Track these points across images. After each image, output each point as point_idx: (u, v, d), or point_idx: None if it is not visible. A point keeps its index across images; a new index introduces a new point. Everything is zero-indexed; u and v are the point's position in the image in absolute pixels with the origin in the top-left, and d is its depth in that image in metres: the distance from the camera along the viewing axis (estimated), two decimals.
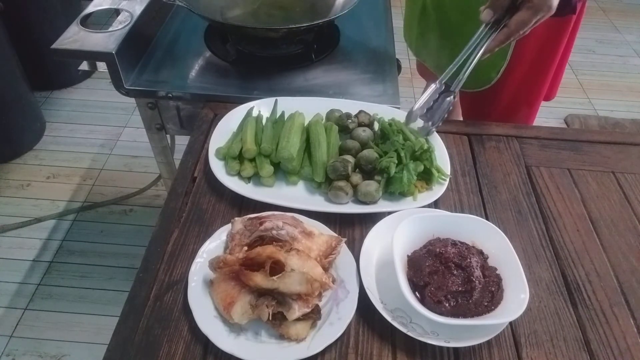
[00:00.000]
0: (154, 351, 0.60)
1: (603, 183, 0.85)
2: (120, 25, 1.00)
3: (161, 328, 0.62)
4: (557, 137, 0.94)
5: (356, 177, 0.77)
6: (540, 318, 0.66)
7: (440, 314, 0.60)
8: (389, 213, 0.75)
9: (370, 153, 0.79)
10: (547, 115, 2.30)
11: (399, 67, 1.11)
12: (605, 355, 0.62)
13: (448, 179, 0.80)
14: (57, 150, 2.04)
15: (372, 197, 0.75)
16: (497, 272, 0.65)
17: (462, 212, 0.78)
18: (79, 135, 2.12)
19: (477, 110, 1.13)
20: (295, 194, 0.79)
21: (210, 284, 0.64)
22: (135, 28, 1.01)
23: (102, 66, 0.99)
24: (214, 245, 0.69)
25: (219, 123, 0.87)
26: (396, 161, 0.77)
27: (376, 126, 0.87)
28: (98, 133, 2.13)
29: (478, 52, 0.80)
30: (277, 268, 0.61)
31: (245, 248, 0.66)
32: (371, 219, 0.74)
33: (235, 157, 0.81)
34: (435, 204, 0.78)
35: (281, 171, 0.82)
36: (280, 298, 0.61)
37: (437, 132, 0.86)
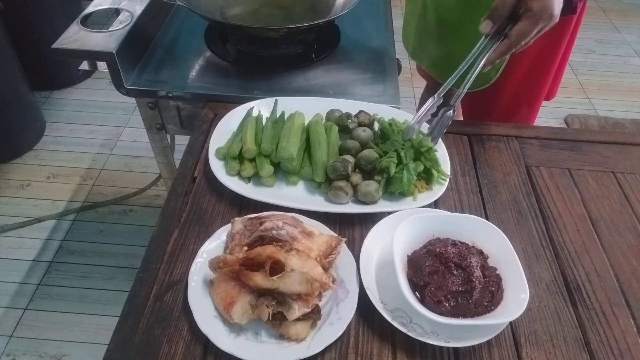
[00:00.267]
0: (154, 351, 0.60)
1: (603, 183, 0.85)
2: (121, 25, 1.00)
3: (161, 328, 0.62)
4: (557, 137, 0.94)
5: (356, 177, 0.77)
6: (540, 318, 0.66)
7: (440, 314, 0.60)
8: (389, 213, 0.75)
9: (370, 153, 0.79)
10: (547, 115, 2.30)
11: (399, 67, 1.11)
12: (605, 355, 0.62)
13: (448, 179, 0.80)
14: (57, 150, 2.04)
15: (372, 197, 0.75)
16: (497, 272, 0.65)
17: (462, 212, 0.78)
18: (79, 135, 2.12)
19: (477, 110, 1.13)
20: (295, 194, 0.79)
21: (210, 284, 0.64)
22: (136, 28, 1.01)
23: (102, 66, 0.99)
24: (214, 245, 0.69)
25: (219, 123, 0.87)
26: (396, 161, 0.77)
27: (376, 126, 0.87)
28: (98, 133, 2.13)
29: (478, 65, 0.78)
30: (277, 268, 0.61)
31: (245, 248, 0.66)
32: (371, 219, 0.74)
33: (235, 157, 0.81)
34: (435, 204, 0.78)
35: (281, 171, 0.82)
36: (280, 298, 0.61)
37: None
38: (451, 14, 0.99)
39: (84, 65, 1.02)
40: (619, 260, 0.73)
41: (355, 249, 0.70)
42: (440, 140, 0.85)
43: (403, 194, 0.77)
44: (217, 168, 0.79)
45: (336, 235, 0.71)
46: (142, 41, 1.07)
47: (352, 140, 0.83)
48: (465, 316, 0.61)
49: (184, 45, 1.11)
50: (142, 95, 1.01)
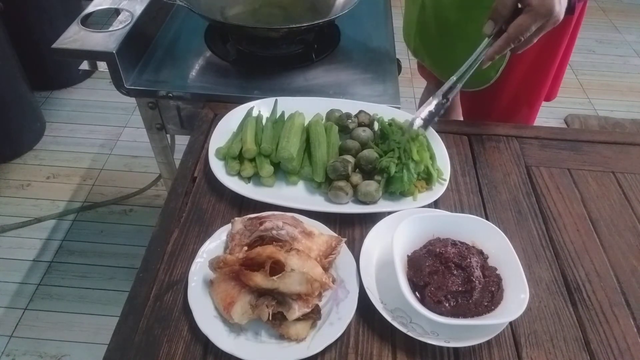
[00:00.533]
0: (154, 351, 0.60)
1: (603, 183, 0.85)
2: (121, 25, 1.00)
3: (161, 328, 0.62)
4: (557, 137, 0.94)
5: (356, 177, 0.77)
6: (540, 318, 0.66)
7: (440, 314, 0.60)
8: (389, 213, 0.75)
9: (370, 153, 0.79)
10: (547, 115, 2.30)
11: (399, 67, 1.11)
12: (605, 355, 0.62)
13: (448, 179, 0.80)
14: (57, 150, 2.04)
15: (372, 197, 0.75)
16: (497, 272, 0.65)
17: (462, 212, 0.78)
18: (79, 135, 2.12)
19: (477, 110, 1.13)
20: (295, 194, 0.79)
21: (210, 284, 0.64)
22: (136, 28, 1.01)
23: (102, 66, 0.99)
24: (214, 245, 0.69)
25: (219, 123, 0.87)
26: (396, 161, 0.77)
27: (376, 126, 0.87)
28: (98, 133, 2.13)
29: (478, 61, 0.79)
30: (277, 268, 0.61)
31: (245, 248, 0.66)
32: (371, 219, 0.74)
33: (235, 157, 0.81)
34: (435, 204, 0.78)
35: (281, 171, 0.82)
36: (280, 298, 0.61)
37: (437, 132, 0.86)
38: (450, 13, 0.99)
39: (84, 65, 1.02)
40: (619, 260, 0.73)
41: (355, 249, 0.70)
42: (440, 140, 0.85)
43: (403, 194, 0.77)
44: (217, 168, 0.79)
45: (336, 235, 0.71)
46: (142, 41, 1.07)
47: (352, 140, 0.83)
48: (465, 316, 0.61)
49: (184, 45, 1.11)
50: (142, 95, 1.01)
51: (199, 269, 0.66)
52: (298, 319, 0.60)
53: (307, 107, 0.89)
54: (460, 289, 0.62)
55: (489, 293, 0.62)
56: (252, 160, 0.80)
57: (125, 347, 0.60)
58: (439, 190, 0.78)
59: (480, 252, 0.67)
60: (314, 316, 0.61)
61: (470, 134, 0.93)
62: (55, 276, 1.61)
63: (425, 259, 0.65)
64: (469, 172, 0.85)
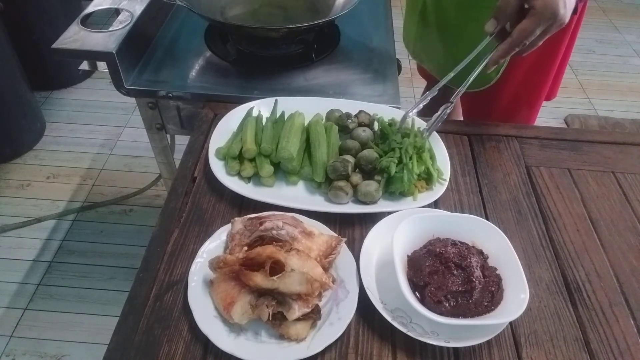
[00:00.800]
0: (154, 351, 0.60)
1: (603, 183, 0.85)
2: (121, 25, 1.00)
3: (161, 328, 0.62)
4: (557, 137, 0.94)
5: (356, 177, 0.77)
6: (540, 318, 0.66)
7: (440, 314, 0.60)
8: (389, 213, 0.75)
9: (370, 153, 0.79)
10: (547, 115, 2.30)
11: (399, 67, 1.11)
12: (605, 355, 0.62)
13: (448, 179, 0.80)
14: (57, 150, 2.04)
15: (372, 197, 0.75)
16: (497, 272, 0.65)
17: (462, 212, 0.78)
18: (79, 135, 2.12)
19: (477, 110, 1.13)
20: (295, 194, 0.79)
21: (210, 284, 0.64)
22: (136, 28, 1.01)
23: (102, 66, 0.99)
24: (214, 245, 0.69)
25: (219, 123, 0.87)
26: (396, 161, 0.77)
27: (376, 126, 0.87)
28: (98, 133, 2.13)
29: (481, 64, 0.78)
30: (277, 268, 0.61)
31: (245, 248, 0.66)
32: (371, 219, 0.74)
33: (235, 157, 0.81)
34: (435, 204, 0.78)
35: (281, 171, 0.82)
36: (280, 298, 0.61)
37: (437, 132, 0.86)
38: (451, 14, 0.99)
39: (84, 65, 1.02)
40: (619, 260, 0.73)
41: (355, 249, 0.70)
42: (440, 140, 0.85)
43: (403, 194, 0.77)
44: (217, 168, 0.79)
45: (336, 235, 0.71)
46: (142, 41, 1.07)
47: (352, 140, 0.83)
48: (465, 316, 0.61)
49: (184, 45, 1.11)
50: (142, 95, 1.01)
51: (199, 269, 0.66)
52: (298, 319, 0.60)
53: (307, 107, 0.89)
54: (460, 289, 0.62)
55: (489, 293, 0.62)
56: (252, 160, 0.80)
57: (125, 347, 0.60)
58: (439, 190, 0.78)
59: (480, 252, 0.67)
60: (314, 316, 0.61)
61: (470, 134, 0.93)
62: (55, 276, 1.61)
63: (425, 259, 0.65)
64: (469, 172, 0.85)
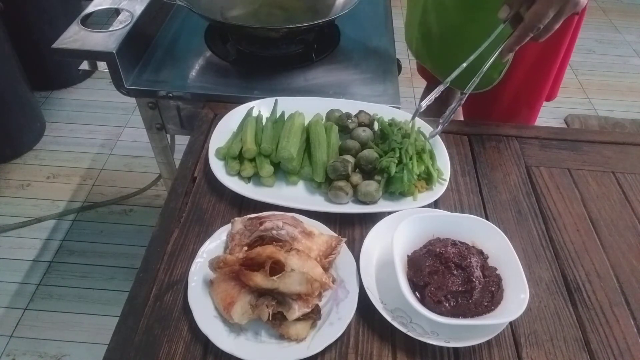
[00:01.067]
0: (154, 351, 0.60)
1: (603, 183, 0.85)
2: (121, 25, 1.00)
3: (161, 328, 0.62)
4: (557, 137, 0.94)
5: (356, 177, 0.77)
6: (540, 318, 0.66)
7: (440, 314, 0.60)
8: (389, 213, 0.75)
9: (370, 153, 0.79)
10: (547, 115, 2.30)
11: (399, 67, 1.11)
12: (605, 355, 0.62)
13: (448, 179, 0.80)
14: (57, 150, 2.04)
15: (372, 197, 0.75)
16: (497, 272, 0.65)
17: (462, 212, 0.78)
18: (79, 135, 2.12)
19: (478, 111, 1.13)
20: (295, 194, 0.79)
21: (210, 284, 0.64)
22: (136, 28, 1.01)
23: (102, 66, 0.99)
24: (214, 245, 0.69)
25: (219, 123, 0.87)
26: (396, 161, 0.77)
27: (376, 126, 0.87)
28: (98, 133, 2.13)
29: (494, 54, 0.77)
30: (277, 268, 0.61)
31: (245, 248, 0.66)
32: (371, 219, 0.74)
33: (235, 157, 0.81)
34: (435, 204, 0.78)
35: (281, 171, 0.82)
36: (280, 298, 0.61)
37: None
38: (452, 14, 0.99)
39: (84, 65, 1.02)
40: (619, 260, 0.73)
41: (355, 249, 0.70)
42: (440, 140, 0.85)
43: (403, 194, 0.77)
44: (217, 168, 0.79)
45: (336, 235, 0.71)
46: (142, 41, 1.07)
47: (352, 140, 0.83)
48: (465, 316, 0.61)
49: (184, 45, 1.11)
50: (142, 95, 1.01)
51: (199, 269, 0.66)
52: (298, 319, 0.60)
53: (307, 107, 0.89)
54: (460, 289, 0.62)
55: (489, 293, 0.62)
56: (252, 160, 0.80)
57: (125, 347, 0.60)
58: (439, 190, 0.78)
59: (480, 252, 0.67)
60: (314, 316, 0.61)
61: (470, 134, 0.93)
62: (55, 276, 1.61)
63: (425, 259, 0.65)
64: (469, 172, 0.85)
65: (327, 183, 0.78)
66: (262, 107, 0.90)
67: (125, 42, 0.96)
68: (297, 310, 0.59)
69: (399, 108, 0.93)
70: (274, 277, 0.60)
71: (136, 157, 2.03)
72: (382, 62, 1.08)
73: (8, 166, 1.96)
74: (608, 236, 0.77)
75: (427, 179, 0.79)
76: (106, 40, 0.96)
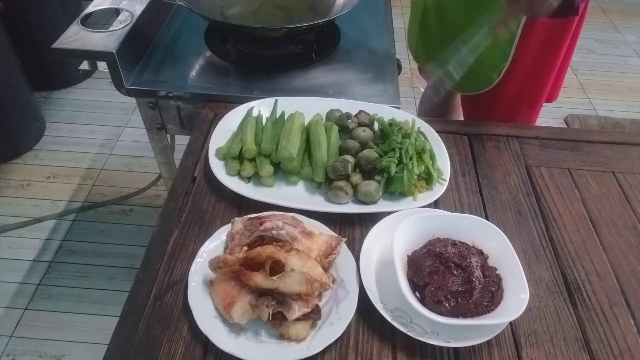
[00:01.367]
0: (154, 351, 0.60)
1: (603, 183, 0.85)
2: (121, 25, 1.00)
3: (161, 328, 0.62)
4: (557, 137, 0.94)
5: (356, 177, 0.77)
6: (540, 318, 0.66)
7: (440, 314, 0.60)
8: (389, 213, 0.75)
9: (370, 153, 0.79)
10: (547, 115, 2.30)
11: (399, 67, 1.11)
12: (605, 355, 0.62)
13: (448, 179, 0.80)
14: (57, 150, 2.04)
15: (372, 197, 0.75)
16: (497, 272, 0.65)
17: (462, 212, 0.78)
18: (79, 135, 2.12)
19: (478, 111, 1.13)
20: (295, 194, 0.79)
21: (210, 284, 0.64)
22: (136, 28, 1.01)
23: (102, 66, 0.99)
24: (214, 245, 0.69)
25: (219, 123, 0.87)
26: (396, 161, 0.77)
27: (376, 126, 0.87)
28: (98, 133, 2.13)
29: (487, 29, 0.76)
30: (277, 268, 0.61)
31: (245, 248, 0.66)
32: (371, 219, 0.74)
33: (235, 157, 0.81)
34: (435, 204, 0.78)
35: (281, 171, 0.82)
36: (280, 298, 0.61)
37: (437, 132, 0.86)
38: (452, 15, 0.99)
39: (84, 65, 1.02)
40: (619, 260, 0.73)
41: (355, 249, 0.70)
42: (440, 140, 0.85)
43: (403, 194, 0.77)
44: (217, 168, 0.79)
45: (336, 235, 0.71)
46: (142, 41, 1.07)
47: (352, 140, 0.83)
48: (465, 316, 0.61)
49: (184, 45, 1.11)
50: (142, 95, 1.01)
51: (199, 269, 0.66)
52: (298, 319, 0.60)
53: (307, 107, 0.89)
54: (460, 289, 0.62)
55: (489, 293, 0.62)
56: (252, 160, 0.80)
57: (125, 347, 0.60)
58: (439, 190, 0.78)
59: (480, 252, 0.67)
60: (314, 316, 0.61)
61: (470, 134, 0.93)
62: (55, 276, 1.60)
63: (425, 259, 0.65)
64: (469, 172, 0.85)
65: (327, 183, 0.78)
66: (262, 107, 0.90)
67: (125, 42, 0.96)
68: (297, 310, 0.59)
69: (399, 108, 0.93)
70: (274, 277, 0.60)
71: (136, 157, 2.03)
72: (382, 62, 1.08)
73: (8, 166, 1.96)
74: (608, 236, 0.77)
75: (427, 179, 0.79)
76: (106, 40, 0.96)
